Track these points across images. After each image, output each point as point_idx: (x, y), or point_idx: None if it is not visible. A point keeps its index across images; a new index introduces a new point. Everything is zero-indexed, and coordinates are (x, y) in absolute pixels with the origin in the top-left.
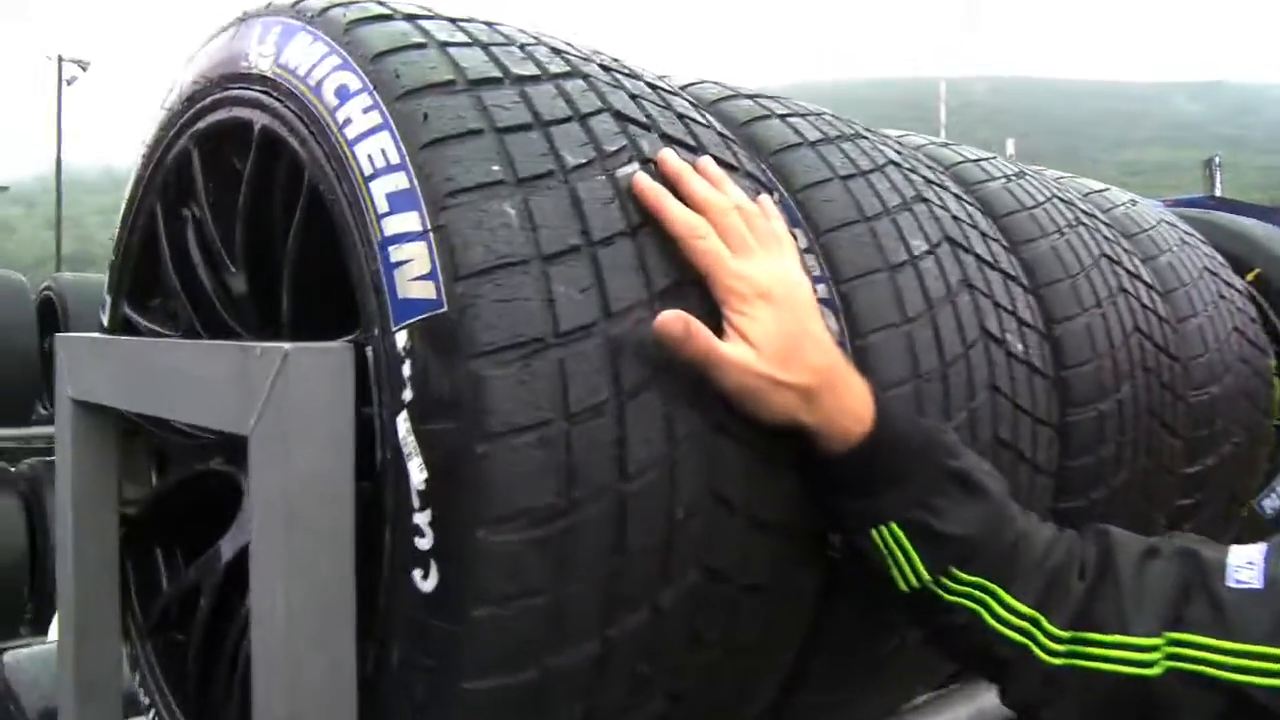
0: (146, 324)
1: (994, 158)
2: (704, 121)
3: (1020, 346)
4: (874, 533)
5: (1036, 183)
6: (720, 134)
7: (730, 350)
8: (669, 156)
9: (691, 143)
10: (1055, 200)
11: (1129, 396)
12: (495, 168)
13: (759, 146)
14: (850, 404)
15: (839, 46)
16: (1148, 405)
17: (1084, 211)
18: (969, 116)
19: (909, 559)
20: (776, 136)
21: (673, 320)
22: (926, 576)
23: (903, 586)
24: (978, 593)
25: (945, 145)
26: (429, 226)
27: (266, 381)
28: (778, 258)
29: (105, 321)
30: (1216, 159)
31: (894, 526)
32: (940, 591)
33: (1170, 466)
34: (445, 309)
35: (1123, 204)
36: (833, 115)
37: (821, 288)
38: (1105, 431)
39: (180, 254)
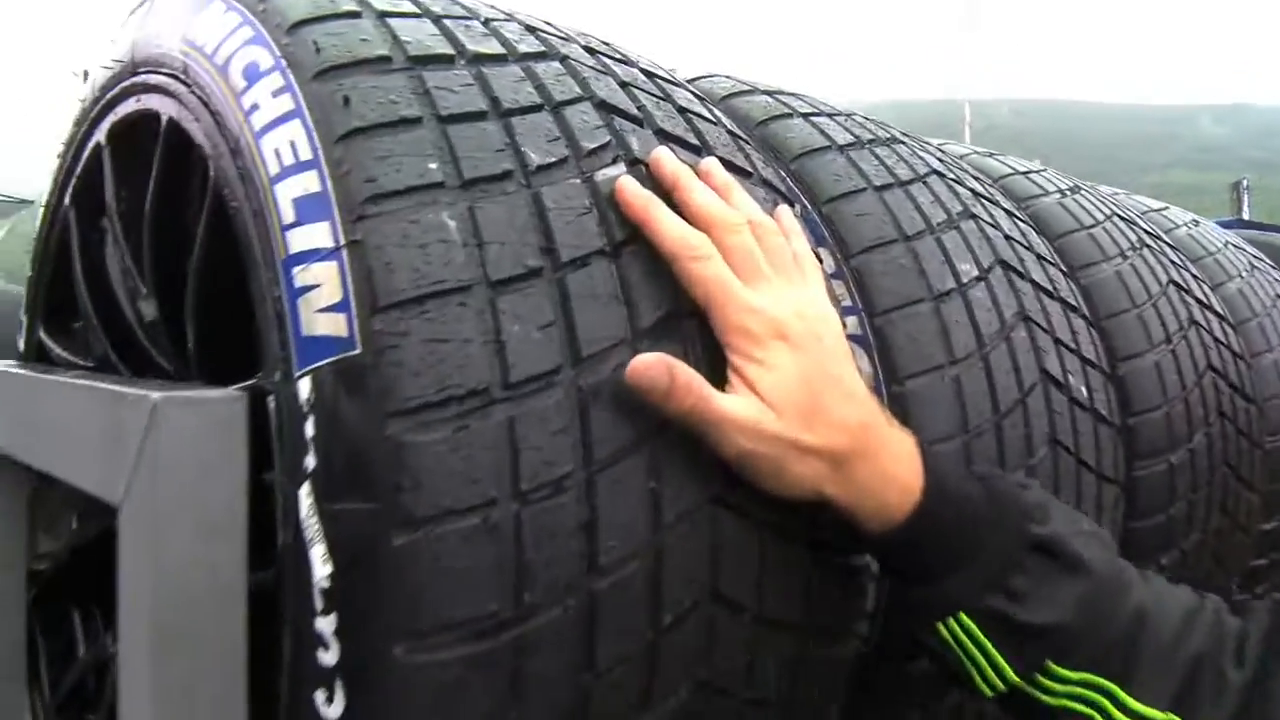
0: (61, 352)
1: (1044, 170)
2: (711, 118)
3: (1084, 391)
4: (940, 628)
5: (1094, 199)
6: (731, 133)
7: (733, 406)
8: (664, 157)
9: (695, 141)
10: (1116, 219)
11: (1202, 446)
12: (432, 165)
13: (778, 150)
14: (892, 468)
15: (860, 68)
16: (1223, 455)
17: (1146, 232)
18: (992, 139)
19: (989, 657)
20: (799, 139)
21: (652, 366)
22: (1014, 678)
23: (986, 691)
24: (1090, 693)
25: (990, 155)
26: (341, 242)
27: (136, 439)
28: (799, 286)
29: (21, 346)
30: (1244, 182)
31: (964, 619)
32: (1037, 693)
33: (1245, 524)
34: (358, 350)
35: (1184, 224)
36: (864, 116)
37: (851, 321)
38: (1176, 487)
39: (93, 271)
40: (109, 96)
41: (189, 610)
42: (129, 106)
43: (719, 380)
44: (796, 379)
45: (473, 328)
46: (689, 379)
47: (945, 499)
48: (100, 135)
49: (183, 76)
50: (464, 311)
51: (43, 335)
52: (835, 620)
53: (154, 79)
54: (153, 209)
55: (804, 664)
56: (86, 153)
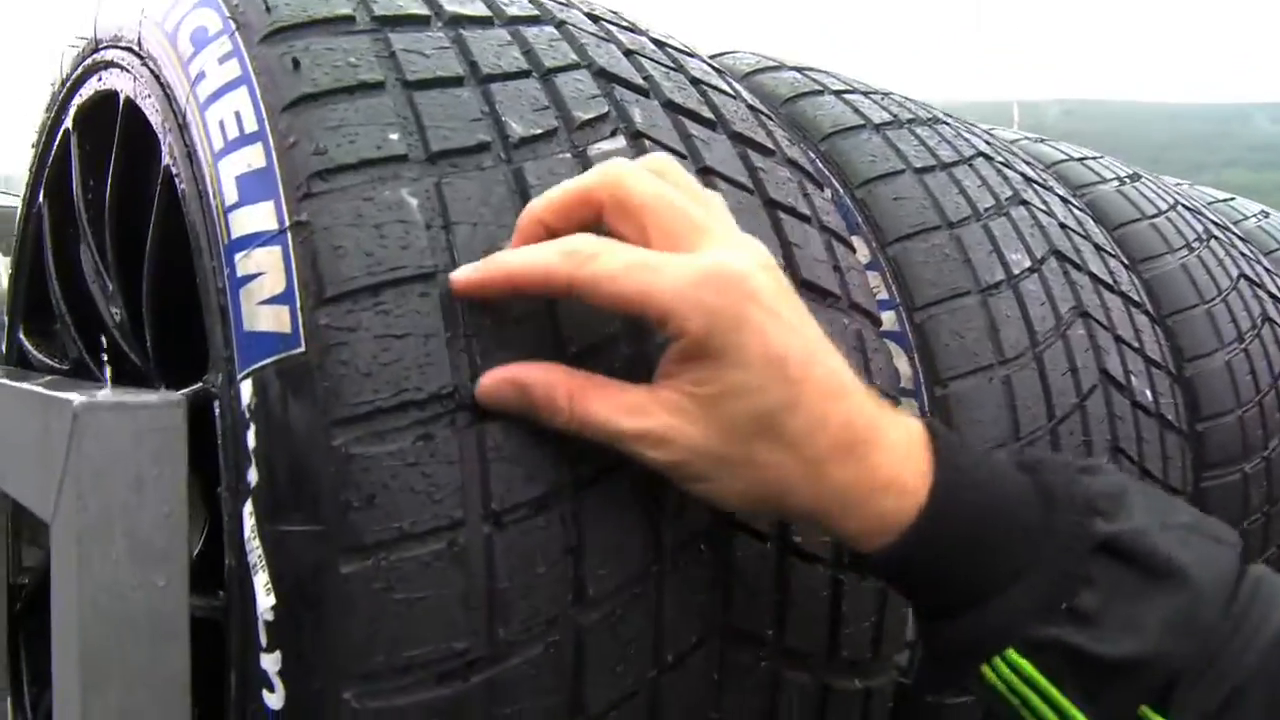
0: (39, 355)
1: (1101, 156)
2: (730, 91)
3: (1148, 394)
4: (986, 671)
5: (1155, 187)
6: (752, 108)
7: (629, 421)
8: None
9: (709, 115)
10: (1180, 209)
11: (1279, 455)
12: (393, 136)
13: (806, 129)
14: (886, 466)
15: (908, 69)
16: None
17: (1214, 223)
18: None
19: (1056, 708)
20: (830, 116)
21: (497, 386)
22: None
23: None
24: None
25: (1042, 141)
26: (286, 223)
27: (62, 450)
28: (714, 226)
29: (3, 349)
30: None
31: (1014, 658)
32: None
33: None
34: (302, 348)
35: (1253, 216)
36: (903, 96)
37: (888, 316)
38: (1251, 499)
39: (66, 269)
40: (75, 76)
41: (122, 639)
42: (91, 87)
43: None
44: (766, 369)
45: (436, 321)
46: (548, 392)
47: (962, 499)
48: (68, 120)
49: (137, 49)
50: (426, 302)
51: (22, 337)
52: (867, 650)
53: (112, 54)
54: (113, 198)
55: (831, 701)
56: (57, 140)
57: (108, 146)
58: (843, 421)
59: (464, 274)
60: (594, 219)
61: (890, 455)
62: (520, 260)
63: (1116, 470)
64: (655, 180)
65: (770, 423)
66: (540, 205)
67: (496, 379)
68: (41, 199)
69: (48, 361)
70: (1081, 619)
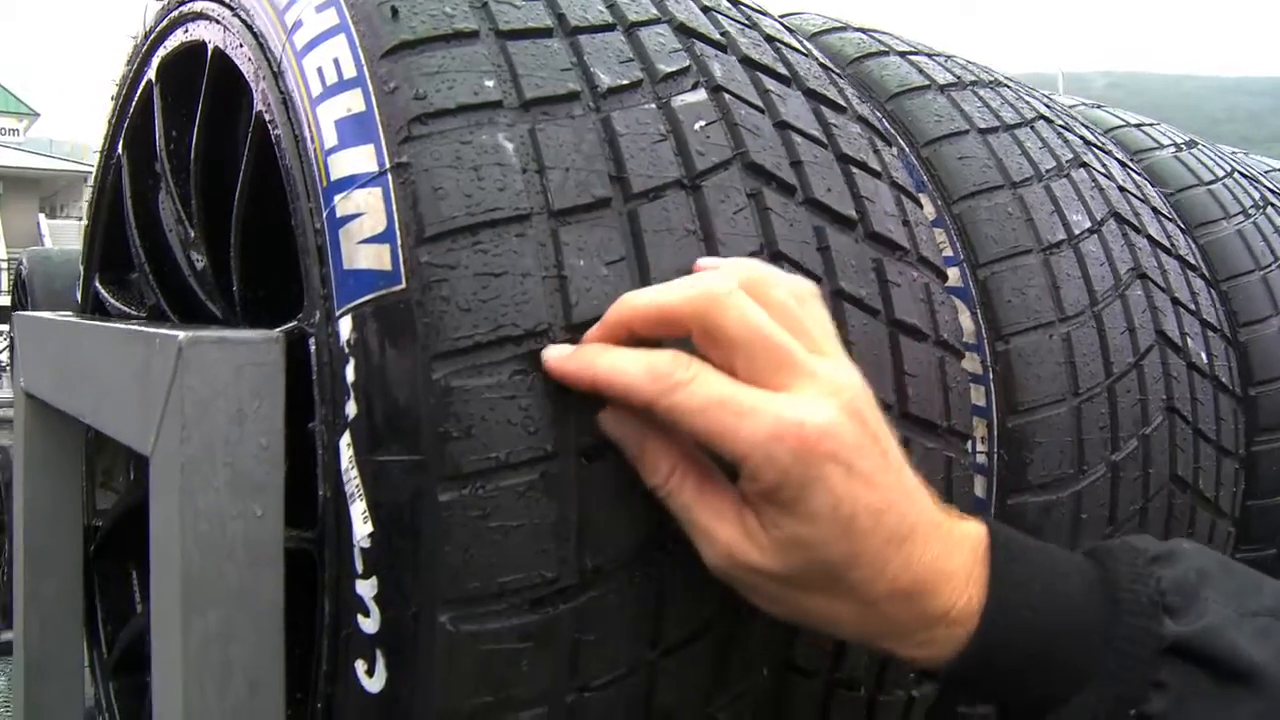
0: (116, 304)
1: (1158, 124)
2: (802, 49)
3: (1204, 356)
4: None
5: (1212, 153)
6: (824, 66)
7: (707, 518)
8: (554, 354)
9: (783, 71)
10: (1237, 175)
11: None
12: (489, 83)
13: (873, 89)
14: (938, 600)
15: (951, 39)
16: None
17: (1271, 190)
18: None
19: None
20: (896, 77)
21: (621, 428)
22: None
23: None
24: None
25: (1098, 106)
26: (387, 165)
27: (164, 384)
28: (830, 360)
29: (79, 299)
30: None
31: None
32: None
33: None
34: (403, 285)
35: None
36: (965, 59)
37: (953, 272)
38: None
39: (146, 219)
40: (159, 29)
41: (221, 566)
42: (176, 39)
43: None
44: (833, 525)
45: (532, 261)
46: (655, 459)
47: (1017, 619)
48: (150, 72)
49: (228, 0)
50: (522, 243)
51: (98, 286)
52: None
53: (199, 5)
54: (200, 146)
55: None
56: (138, 93)
57: (192, 97)
58: (901, 566)
59: (555, 356)
60: (684, 334)
61: (945, 590)
62: (608, 367)
63: (1196, 550)
64: (749, 308)
65: (831, 574)
66: (630, 311)
67: (625, 422)
68: (120, 150)
69: (124, 309)
70: None
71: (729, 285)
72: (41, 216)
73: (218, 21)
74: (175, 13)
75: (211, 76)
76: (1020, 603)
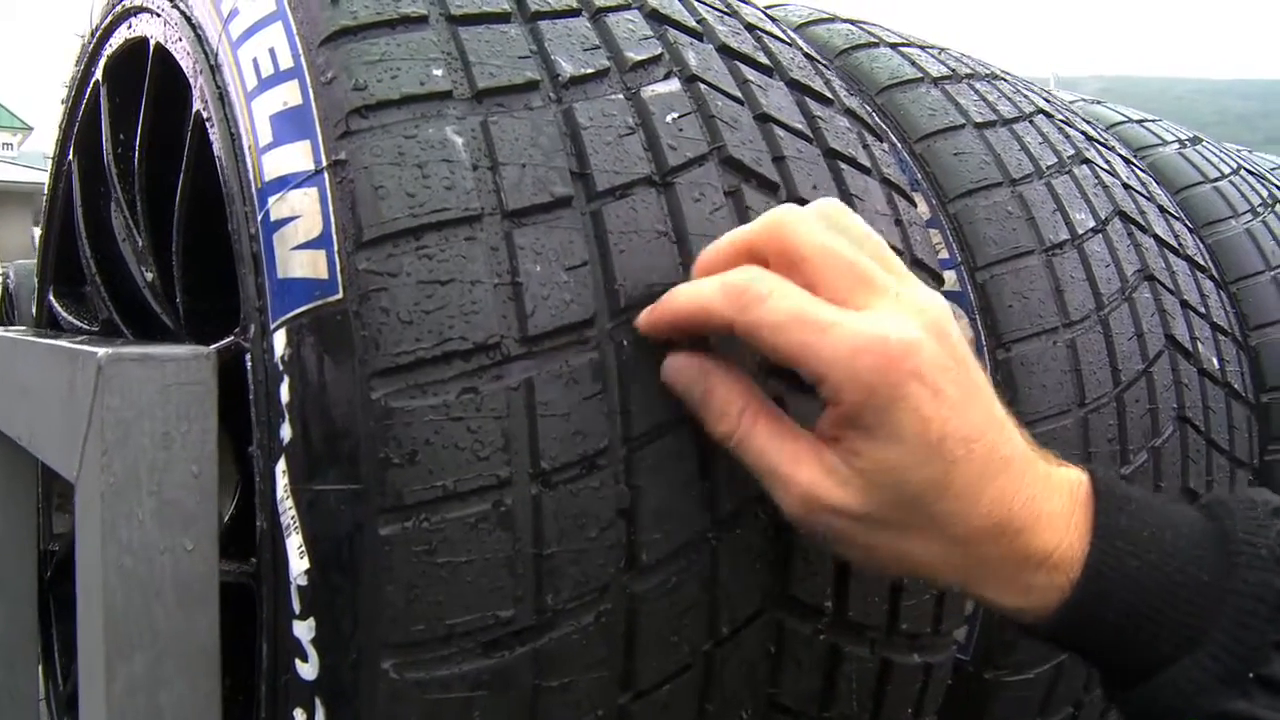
0: (69, 318)
1: (1160, 119)
2: (785, 37)
3: (1215, 361)
4: None
5: (1217, 150)
6: (808, 55)
7: (785, 464)
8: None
9: (764, 61)
10: (1244, 173)
11: None
12: (437, 72)
13: (862, 81)
14: (1039, 540)
15: (945, 41)
16: None
17: (1278, 187)
18: None
19: None
20: (887, 69)
21: (688, 370)
22: None
23: None
24: None
25: (1098, 102)
26: (323, 163)
27: (87, 405)
28: (906, 284)
29: (34, 312)
30: None
31: None
32: None
33: None
34: (340, 295)
35: None
36: (959, 52)
37: (949, 275)
38: None
39: (96, 226)
40: (104, 25)
41: (149, 605)
42: (121, 35)
43: None
44: (921, 449)
45: (482, 267)
46: (727, 400)
47: (1121, 568)
48: (98, 72)
49: None
50: (472, 247)
51: (52, 300)
52: (927, 624)
53: None
54: (144, 150)
55: (890, 676)
56: (87, 95)
57: (138, 97)
58: (995, 500)
59: (644, 317)
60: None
61: (1045, 531)
62: (686, 296)
63: None
64: (824, 229)
65: (920, 506)
66: (707, 259)
67: (690, 365)
68: (71, 155)
69: (78, 323)
70: (1275, 689)
71: (802, 211)
72: (36, 230)
73: (158, 14)
74: (118, 7)
75: (154, 75)
76: (1126, 551)
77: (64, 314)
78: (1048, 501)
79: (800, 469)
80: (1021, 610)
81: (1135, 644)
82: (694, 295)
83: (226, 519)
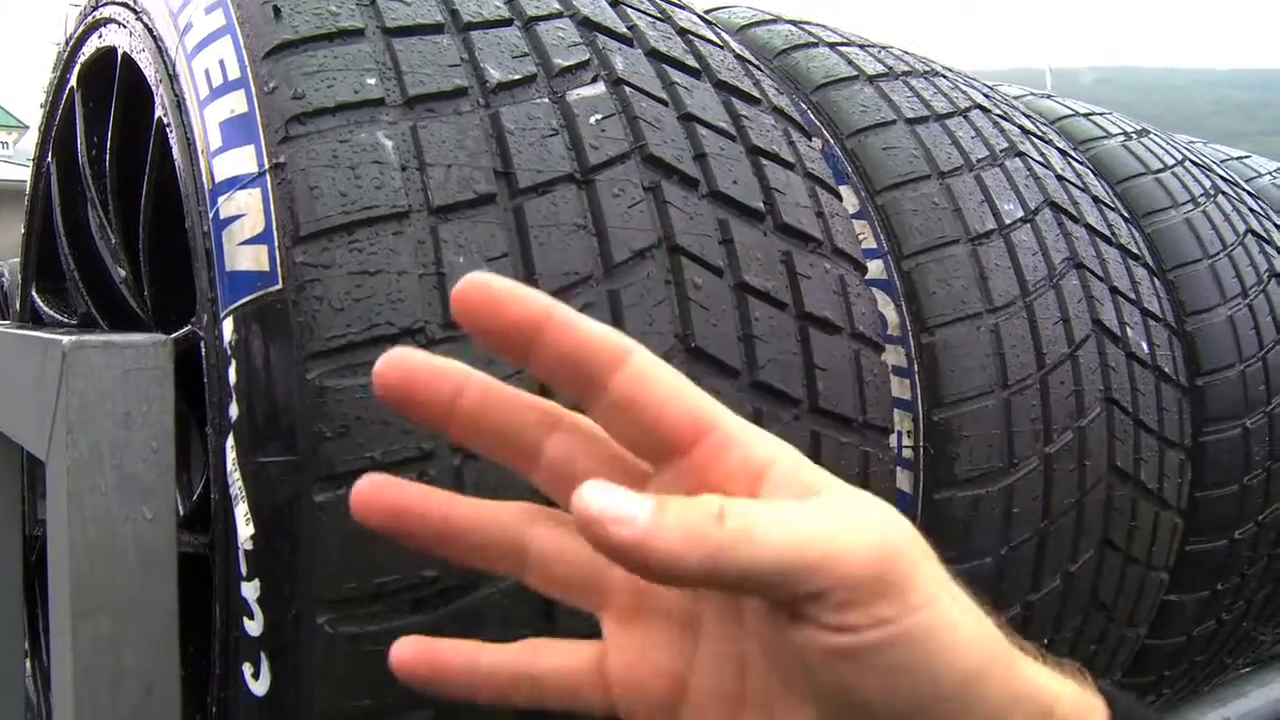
0: (50, 312)
1: (1109, 113)
2: (717, 40)
3: (1145, 346)
4: None
5: (1163, 143)
6: (740, 58)
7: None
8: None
9: (693, 64)
10: (1187, 164)
11: None
12: (370, 81)
13: (799, 80)
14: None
15: (938, 36)
16: None
17: (1222, 178)
18: None
19: None
20: (822, 68)
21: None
22: None
23: None
24: None
25: (1047, 97)
26: (265, 166)
27: (54, 389)
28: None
29: (17, 308)
30: None
31: None
32: None
33: None
34: (279, 285)
35: (1269, 173)
36: (903, 50)
37: (875, 265)
38: (1252, 455)
39: (74, 225)
40: (78, 34)
41: (112, 571)
42: (92, 44)
43: None
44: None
45: (409, 259)
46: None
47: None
48: (72, 79)
49: (132, 4)
50: (399, 241)
51: (34, 295)
52: None
53: (110, 9)
54: (114, 154)
55: None
56: (63, 100)
57: (109, 103)
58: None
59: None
60: None
61: (1052, 682)
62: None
63: None
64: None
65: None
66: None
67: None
68: (49, 158)
69: (58, 317)
70: None
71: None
72: None
73: (124, 26)
74: (90, 17)
75: (122, 82)
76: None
77: (45, 308)
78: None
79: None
80: None
81: None
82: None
83: (194, 498)
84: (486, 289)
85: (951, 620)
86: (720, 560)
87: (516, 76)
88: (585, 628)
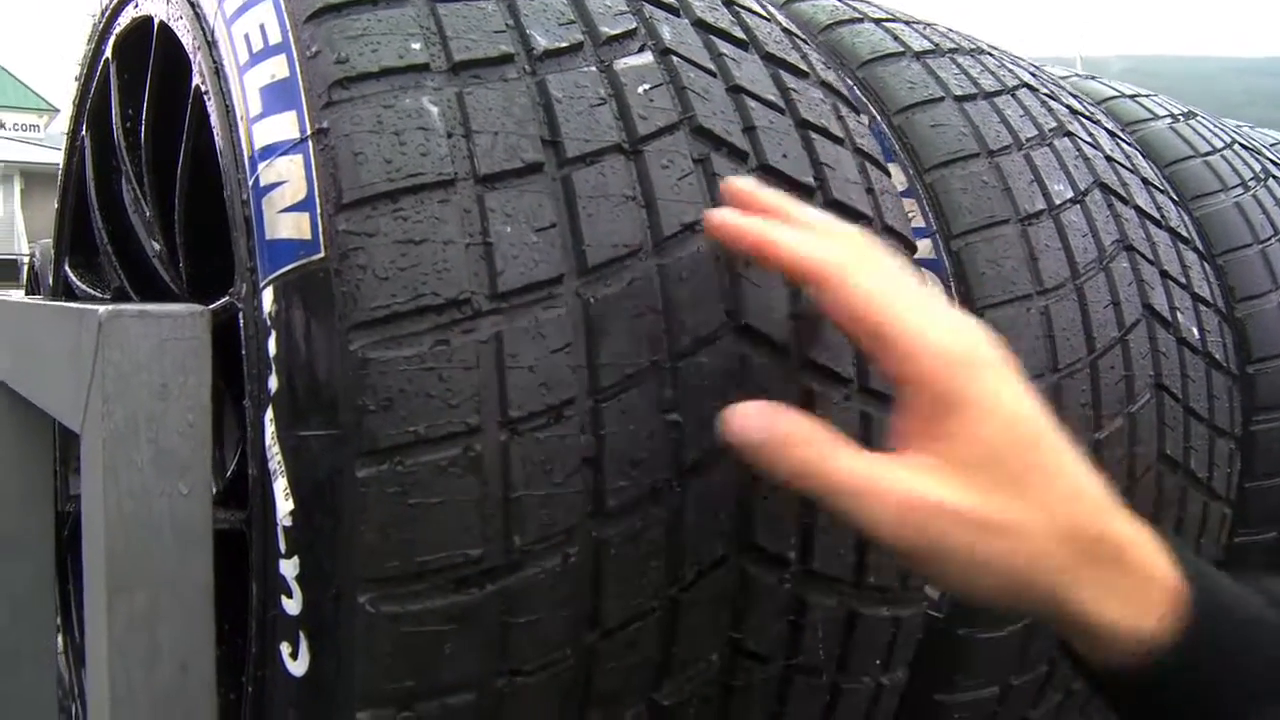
0: (84, 286)
1: (1155, 95)
2: (764, 13)
3: (1195, 331)
4: None
5: (1211, 126)
6: (787, 30)
7: (885, 474)
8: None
9: (740, 35)
10: (1236, 148)
11: None
12: (415, 46)
13: (844, 56)
14: (1141, 559)
15: (966, 23)
16: None
17: (1273, 163)
18: None
19: None
20: (868, 43)
21: (749, 416)
22: None
23: None
24: None
25: (1092, 78)
26: (308, 131)
27: (90, 360)
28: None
29: (51, 283)
30: None
31: None
32: None
33: None
34: (322, 254)
35: None
36: (948, 27)
37: (924, 244)
38: None
39: (108, 199)
40: (113, 5)
41: (148, 546)
42: (128, 14)
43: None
44: (1005, 428)
45: (455, 228)
46: (799, 432)
47: (1223, 599)
48: (108, 50)
49: None
50: (445, 209)
51: (67, 270)
52: (895, 578)
53: None
54: (150, 125)
55: (858, 628)
56: (98, 73)
57: (145, 74)
58: (1096, 482)
59: (729, 225)
60: None
61: (1147, 540)
62: (793, 239)
63: None
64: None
65: (1020, 482)
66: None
67: (759, 414)
68: (84, 132)
69: (91, 292)
70: None
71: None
72: None
73: None
74: None
75: (159, 52)
76: (1224, 585)
77: (79, 283)
78: (1127, 517)
79: (892, 478)
80: (1130, 642)
81: (1236, 682)
82: (802, 241)
83: (229, 474)
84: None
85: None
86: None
87: (563, 44)
88: (633, 608)
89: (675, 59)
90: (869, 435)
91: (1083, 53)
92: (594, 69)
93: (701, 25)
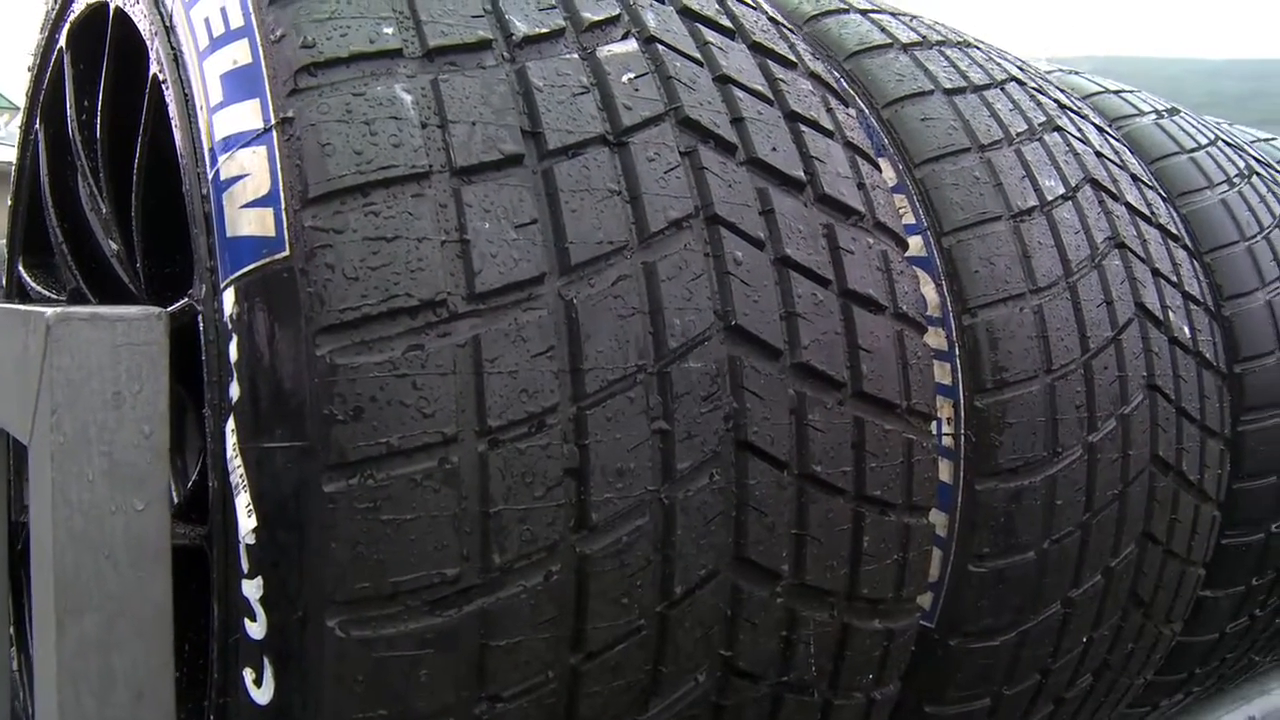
0: (38, 287)
1: (1138, 90)
2: (750, 1)
3: (1187, 330)
4: None
5: (1194, 122)
6: (773, 20)
7: None
8: None
9: (726, 23)
10: (1221, 144)
11: None
12: (388, 30)
13: (831, 47)
14: None
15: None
16: None
17: (1256, 160)
18: None
19: None
20: (855, 34)
21: None
22: None
23: None
24: None
25: (1075, 72)
26: (272, 121)
27: (37, 366)
28: None
29: (4, 283)
30: None
31: None
32: None
33: None
34: (286, 252)
35: None
36: (932, 20)
37: (915, 240)
38: None
39: (63, 196)
40: None
41: (99, 566)
42: (83, 1)
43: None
44: None
45: (430, 224)
46: None
47: None
48: (61, 39)
49: None
50: (419, 204)
51: (21, 270)
52: (889, 590)
53: None
54: (105, 117)
55: (851, 641)
56: (51, 62)
57: (100, 63)
58: None
59: None
60: None
61: None
62: None
63: None
64: None
65: None
66: None
67: None
68: (37, 125)
69: (46, 293)
70: None
71: None
72: None
73: None
74: None
75: (114, 39)
76: None
77: (33, 284)
78: None
79: None
80: None
81: None
82: None
83: (189, 486)
84: None
85: None
86: None
87: (544, 30)
88: (619, 627)
89: (660, 47)
90: (862, 440)
91: (1049, 53)
92: (576, 56)
93: (687, 12)
